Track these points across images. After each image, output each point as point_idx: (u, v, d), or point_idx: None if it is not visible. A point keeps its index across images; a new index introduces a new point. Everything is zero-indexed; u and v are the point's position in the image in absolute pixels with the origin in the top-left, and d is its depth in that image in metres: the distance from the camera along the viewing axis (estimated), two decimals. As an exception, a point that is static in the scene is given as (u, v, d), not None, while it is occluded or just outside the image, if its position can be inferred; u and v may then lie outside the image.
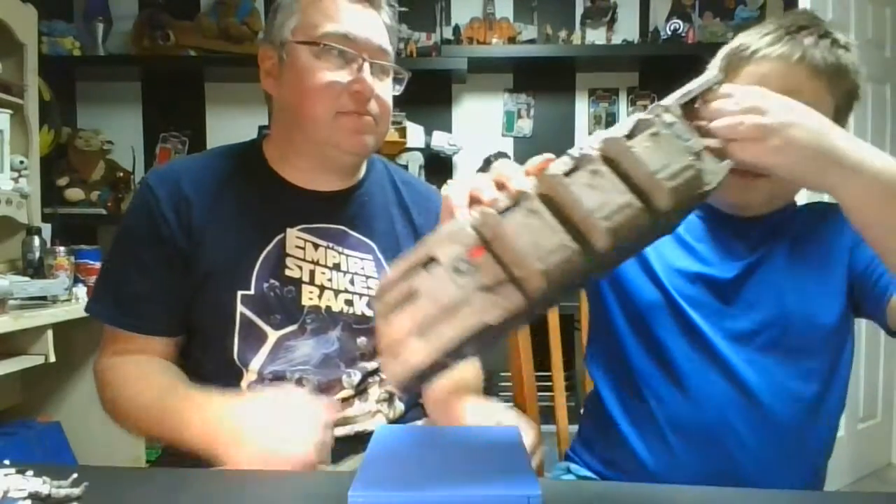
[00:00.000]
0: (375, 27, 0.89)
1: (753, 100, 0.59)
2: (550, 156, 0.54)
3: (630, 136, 0.53)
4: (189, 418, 0.76)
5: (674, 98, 0.58)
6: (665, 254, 0.88)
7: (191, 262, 0.86)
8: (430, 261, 0.50)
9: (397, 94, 0.95)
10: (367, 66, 0.86)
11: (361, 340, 0.90)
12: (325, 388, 0.87)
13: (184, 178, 0.89)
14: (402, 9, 0.97)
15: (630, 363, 0.87)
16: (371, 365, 0.90)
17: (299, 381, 0.86)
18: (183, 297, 0.86)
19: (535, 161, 0.54)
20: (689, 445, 0.82)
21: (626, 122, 0.55)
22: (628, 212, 0.49)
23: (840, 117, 0.81)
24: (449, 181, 0.64)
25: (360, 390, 0.90)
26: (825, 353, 0.84)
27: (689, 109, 0.58)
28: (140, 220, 0.88)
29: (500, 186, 0.52)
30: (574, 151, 0.52)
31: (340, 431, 0.86)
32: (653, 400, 0.84)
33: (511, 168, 0.55)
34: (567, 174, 0.51)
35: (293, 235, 0.89)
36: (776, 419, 0.80)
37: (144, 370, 0.85)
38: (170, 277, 0.86)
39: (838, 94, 0.80)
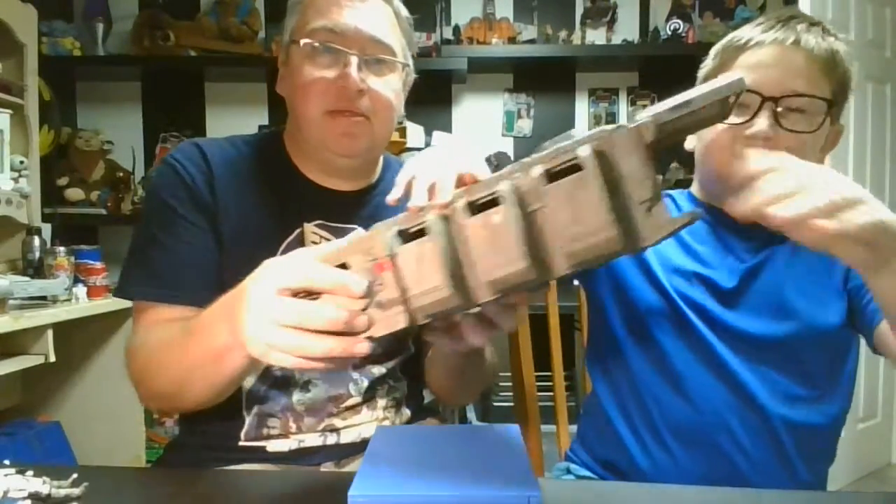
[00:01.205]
0: (370, 18, 0.84)
1: (808, 176, 0.54)
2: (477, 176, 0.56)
3: (554, 176, 0.47)
4: (197, 319, 0.69)
5: (664, 108, 0.48)
6: (665, 255, 0.87)
7: (217, 233, 0.83)
8: (342, 266, 0.53)
9: (399, 87, 0.89)
10: (354, 60, 0.81)
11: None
12: (333, 396, 0.84)
13: (209, 153, 0.86)
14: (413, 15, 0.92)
15: (628, 365, 0.87)
16: (378, 370, 0.88)
17: (306, 385, 0.83)
18: (216, 261, 0.83)
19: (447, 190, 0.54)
20: (687, 448, 0.82)
21: (561, 147, 0.48)
22: (516, 272, 0.48)
23: (837, 107, 0.81)
24: (416, 154, 0.63)
25: (368, 398, 0.87)
26: (826, 356, 0.83)
27: (676, 125, 0.49)
28: (167, 188, 0.84)
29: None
30: (504, 173, 0.50)
31: (347, 437, 0.85)
32: (651, 402, 0.84)
33: (447, 179, 0.56)
34: (479, 206, 0.49)
35: (310, 230, 0.87)
36: (775, 423, 0.80)
37: (170, 325, 0.78)
38: (204, 240, 0.83)
39: (833, 81, 0.79)
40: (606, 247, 0.46)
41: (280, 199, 0.88)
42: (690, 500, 0.62)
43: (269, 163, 0.90)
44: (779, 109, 0.76)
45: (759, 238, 0.85)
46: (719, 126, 0.79)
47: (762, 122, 0.76)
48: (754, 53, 0.79)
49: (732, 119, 0.77)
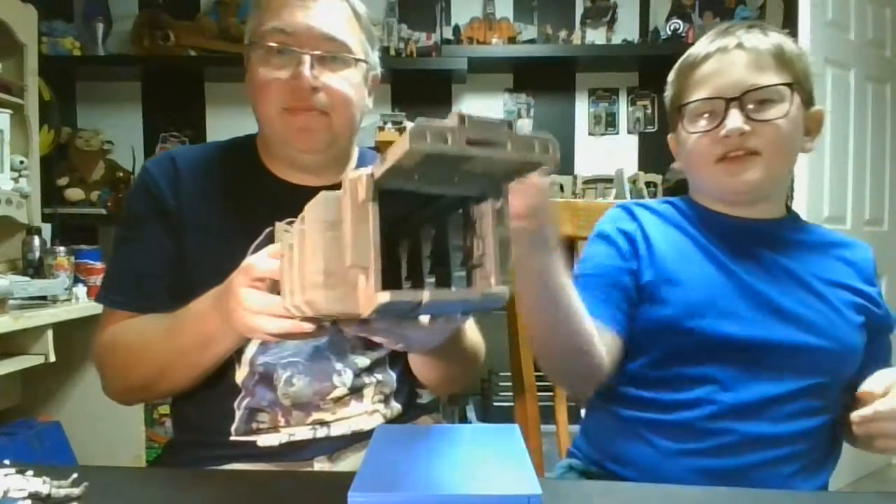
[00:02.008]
0: (323, 17, 0.85)
1: None
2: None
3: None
4: (185, 310, 0.76)
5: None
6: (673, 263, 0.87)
7: (184, 240, 0.87)
8: None
9: (359, 81, 0.89)
10: (306, 59, 0.83)
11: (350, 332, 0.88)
12: (317, 389, 0.86)
13: (179, 159, 0.91)
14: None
15: (632, 369, 0.86)
16: (362, 360, 0.89)
17: (289, 379, 0.85)
18: (176, 270, 0.87)
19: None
20: (692, 447, 0.81)
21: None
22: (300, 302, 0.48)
23: (803, 91, 0.83)
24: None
25: (356, 389, 0.89)
26: (833, 371, 0.83)
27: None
28: (138, 199, 0.89)
29: None
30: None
31: (338, 430, 0.86)
32: (655, 404, 0.83)
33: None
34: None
35: (281, 229, 0.87)
36: (780, 430, 0.79)
37: (144, 319, 0.85)
38: (164, 250, 0.87)
39: (788, 68, 0.82)
40: (327, 307, 0.44)
41: (250, 200, 0.90)
42: (691, 500, 0.62)
43: (240, 165, 0.93)
44: (750, 106, 0.80)
45: (768, 243, 0.87)
46: (694, 136, 0.83)
47: (733, 120, 0.79)
48: (704, 67, 0.84)
49: (705, 126, 0.81)
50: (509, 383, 1.14)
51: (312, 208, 0.47)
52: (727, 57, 0.82)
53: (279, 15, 0.85)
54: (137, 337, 0.82)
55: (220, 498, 0.59)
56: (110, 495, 0.59)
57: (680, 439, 0.81)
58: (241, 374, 0.85)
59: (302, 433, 0.84)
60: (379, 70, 0.96)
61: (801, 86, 0.82)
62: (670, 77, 0.91)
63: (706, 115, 0.83)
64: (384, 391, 0.91)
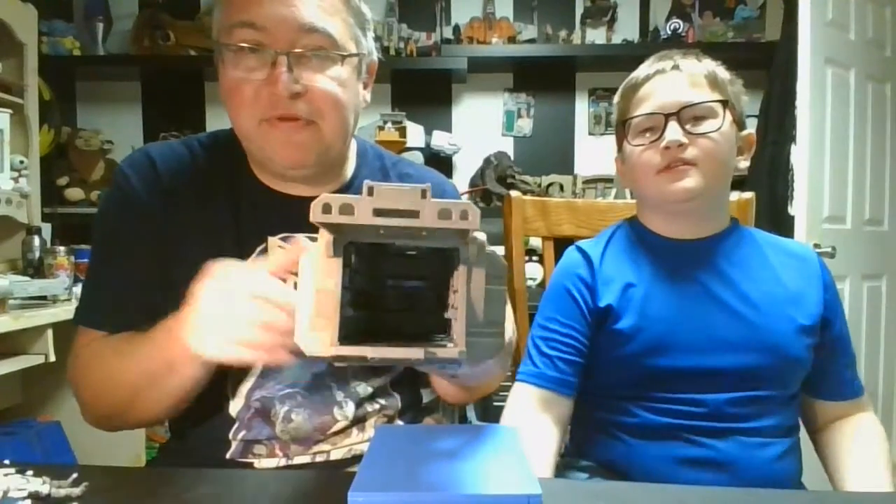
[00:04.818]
0: (298, 4, 0.71)
1: None
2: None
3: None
4: (153, 330, 0.67)
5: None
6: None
7: (165, 252, 0.78)
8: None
9: (349, 76, 0.76)
10: (283, 59, 0.70)
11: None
12: (318, 425, 0.79)
13: (159, 160, 0.80)
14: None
15: (609, 384, 0.92)
16: (364, 389, 0.82)
17: (287, 415, 0.78)
18: (159, 287, 0.77)
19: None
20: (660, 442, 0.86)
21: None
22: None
23: (735, 111, 0.90)
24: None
25: (358, 420, 0.82)
26: (780, 382, 0.88)
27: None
28: (115, 211, 0.79)
29: None
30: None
31: (338, 454, 0.81)
32: (620, 409, 0.89)
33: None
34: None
35: (275, 245, 0.79)
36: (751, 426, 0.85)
37: (117, 338, 0.77)
38: (147, 267, 0.78)
39: (722, 91, 0.88)
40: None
41: (238, 210, 0.80)
42: (690, 500, 0.62)
43: (226, 169, 0.82)
44: (687, 122, 0.86)
45: (713, 261, 0.92)
46: (638, 149, 0.89)
47: (672, 133, 0.85)
48: (645, 87, 0.91)
49: (648, 139, 0.88)
50: (509, 383, 1.14)
51: (303, 256, 0.45)
52: (665, 77, 0.89)
53: (246, 6, 0.71)
54: (111, 359, 0.74)
55: (219, 498, 0.59)
56: (110, 495, 0.59)
57: (647, 437, 0.87)
58: (235, 406, 0.79)
59: (300, 459, 0.79)
60: (375, 56, 0.83)
61: (732, 107, 0.89)
62: (615, 99, 0.97)
63: (648, 130, 0.89)
64: (388, 413, 0.86)
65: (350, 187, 0.86)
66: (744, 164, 0.93)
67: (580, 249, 0.97)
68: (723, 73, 0.91)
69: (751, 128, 0.96)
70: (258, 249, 0.79)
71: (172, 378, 0.67)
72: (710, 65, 0.90)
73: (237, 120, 0.75)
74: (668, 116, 0.86)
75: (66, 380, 0.81)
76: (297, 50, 0.72)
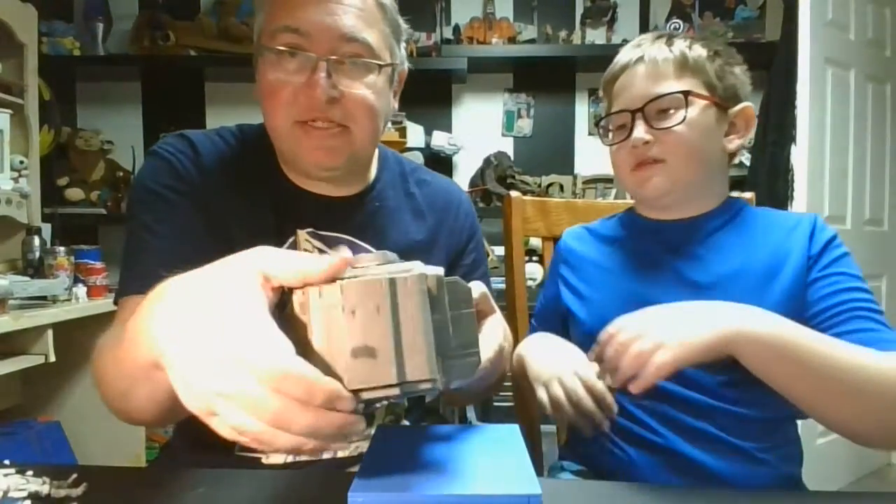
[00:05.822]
0: (340, 12, 0.74)
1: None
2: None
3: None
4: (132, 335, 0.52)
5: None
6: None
7: (207, 220, 0.77)
8: None
9: (383, 85, 0.80)
10: (322, 65, 0.73)
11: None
12: None
13: (198, 143, 0.82)
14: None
15: None
16: None
17: None
18: (207, 247, 0.64)
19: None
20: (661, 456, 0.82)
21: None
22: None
23: (728, 97, 0.86)
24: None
25: (367, 418, 0.83)
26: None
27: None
28: (162, 175, 0.78)
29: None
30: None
31: (343, 453, 0.82)
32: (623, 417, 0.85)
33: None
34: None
35: (303, 238, 0.82)
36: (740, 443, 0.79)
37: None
38: (195, 226, 0.76)
39: (689, 75, 0.84)
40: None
41: (273, 206, 0.82)
42: (690, 500, 0.62)
43: (257, 162, 0.84)
44: (653, 116, 0.84)
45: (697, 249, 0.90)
46: (613, 148, 0.91)
47: (637, 131, 0.85)
48: (617, 82, 0.91)
49: (620, 137, 0.88)
50: (509, 383, 1.14)
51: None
52: (631, 71, 0.88)
53: (291, 12, 0.74)
54: (116, 347, 0.59)
55: (220, 498, 0.59)
56: (110, 495, 0.59)
57: (636, 442, 0.84)
58: None
59: (307, 455, 0.78)
60: (406, 66, 0.87)
61: (711, 88, 0.85)
62: (600, 93, 0.98)
63: (621, 128, 0.89)
64: (396, 411, 0.87)
65: (372, 190, 0.89)
66: (738, 142, 0.87)
67: (573, 230, 1.02)
68: (696, 52, 0.85)
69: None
70: (288, 242, 0.80)
71: (155, 383, 0.52)
72: (680, 46, 0.86)
73: (273, 120, 0.78)
74: (634, 114, 0.85)
75: (66, 379, 0.78)
76: (336, 57, 0.75)
